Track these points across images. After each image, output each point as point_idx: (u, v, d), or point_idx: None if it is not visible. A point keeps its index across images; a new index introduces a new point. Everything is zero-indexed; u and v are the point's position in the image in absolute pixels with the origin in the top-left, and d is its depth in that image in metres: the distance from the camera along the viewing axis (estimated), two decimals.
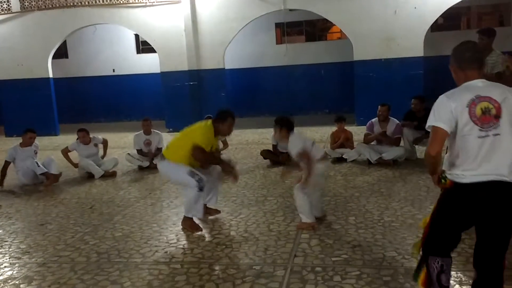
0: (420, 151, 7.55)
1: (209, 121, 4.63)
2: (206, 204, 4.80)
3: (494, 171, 2.45)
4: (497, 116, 2.47)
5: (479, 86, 2.56)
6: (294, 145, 4.40)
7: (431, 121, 2.57)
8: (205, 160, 4.53)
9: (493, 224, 2.51)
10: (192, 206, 4.46)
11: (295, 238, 4.13)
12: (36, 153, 7.22)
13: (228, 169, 4.68)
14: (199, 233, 4.41)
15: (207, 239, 4.25)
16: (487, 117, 2.47)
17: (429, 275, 2.66)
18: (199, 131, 4.53)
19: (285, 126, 4.47)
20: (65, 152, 7.54)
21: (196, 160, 4.46)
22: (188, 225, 4.53)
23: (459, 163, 2.54)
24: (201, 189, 4.38)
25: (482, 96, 2.49)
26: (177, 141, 4.66)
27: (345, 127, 7.71)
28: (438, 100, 2.62)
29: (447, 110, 2.51)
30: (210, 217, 4.85)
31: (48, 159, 7.15)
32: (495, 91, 2.53)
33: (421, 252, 2.77)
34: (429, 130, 2.61)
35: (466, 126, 2.48)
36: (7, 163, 7.06)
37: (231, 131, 4.73)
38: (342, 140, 7.56)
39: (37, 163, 6.95)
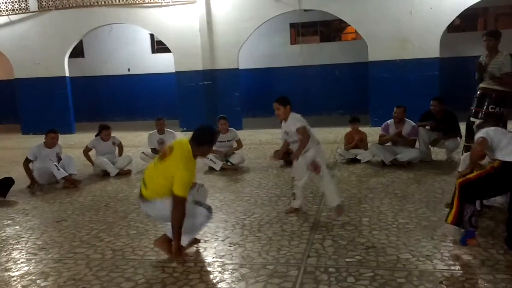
0: (436, 152, 7.50)
1: (188, 146, 3.72)
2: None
3: None
4: None
5: None
6: (296, 120, 4.66)
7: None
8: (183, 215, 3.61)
9: None
10: (195, 231, 3.93)
11: (309, 239, 4.12)
12: (58, 156, 7.03)
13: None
14: (209, 233, 4.42)
15: (220, 238, 4.26)
16: None
17: (461, 216, 3.72)
18: (181, 165, 3.61)
19: (289, 104, 4.70)
20: (87, 152, 7.56)
21: (176, 215, 3.59)
22: (180, 252, 3.77)
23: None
24: (210, 211, 3.87)
25: None
26: (156, 180, 3.74)
27: (359, 128, 7.67)
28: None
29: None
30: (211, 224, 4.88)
31: (67, 158, 7.05)
32: None
33: (455, 198, 3.79)
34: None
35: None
36: (28, 161, 6.89)
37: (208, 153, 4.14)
38: (356, 141, 7.52)
39: (56, 166, 6.75)
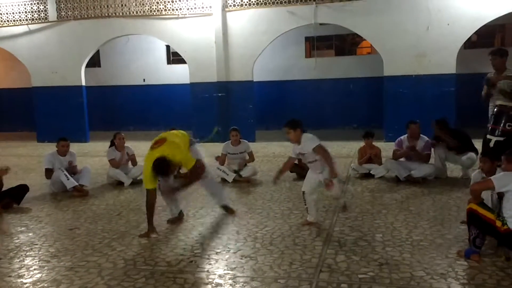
0: (451, 169, 7.41)
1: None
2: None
3: None
4: None
5: None
6: (310, 142, 4.62)
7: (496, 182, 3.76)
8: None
9: None
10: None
11: (321, 253, 4.09)
12: (71, 164, 7.03)
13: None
14: (221, 245, 4.41)
15: (232, 250, 4.24)
16: None
17: (468, 236, 3.89)
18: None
19: (299, 127, 4.68)
20: (113, 163, 7.46)
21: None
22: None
23: None
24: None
25: None
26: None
27: (373, 143, 7.62)
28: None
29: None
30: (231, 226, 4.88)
31: (85, 169, 7.07)
32: None
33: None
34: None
35: None
36: (48, 171, 6.89)
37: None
38: (370, 156, 7.44)
39: (66, 175, 6.72)
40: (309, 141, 4.65)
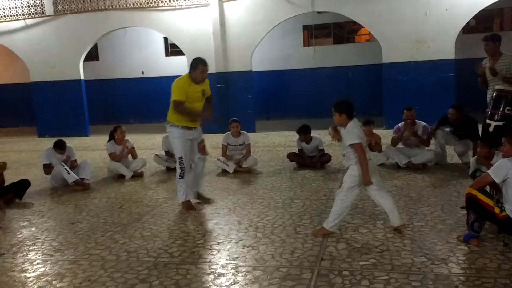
0: (451, 155, 7.41)
1: (183, 77, 5.29)
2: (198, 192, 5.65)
3: None
4: None
5: None
6: (351, 134, 4.14)
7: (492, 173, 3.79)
8: (185, 113, 5.23)
9: None
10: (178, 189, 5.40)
11: (322, 241, 4.11)
12: (70, 159, 7.00)
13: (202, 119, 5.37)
14: (223, 235, 4.43)
15: (233, 240, 4.26)
16: None
17: (467, 221, 3.89)
18: (173, 87, 5.28)
19: (345, 112, 4.21)
20: (114, 156, 7.44)
21: (180, 114, 5.22)
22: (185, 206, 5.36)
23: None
24: (182, 176, 5.28)
25: None
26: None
27: (373, 130, 7.61)
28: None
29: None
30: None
31: (84, 163, 7.05)
32: None
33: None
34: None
35: None
36: (47, 166, 6.92)
37: (205, 76, 5.26)
38: (370, 143, 7.43)
39: (67, 170, 6.72)
40: (349, 133, 4.15)
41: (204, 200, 5.65)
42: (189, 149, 5.38)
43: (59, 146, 6.90)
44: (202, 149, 5.54)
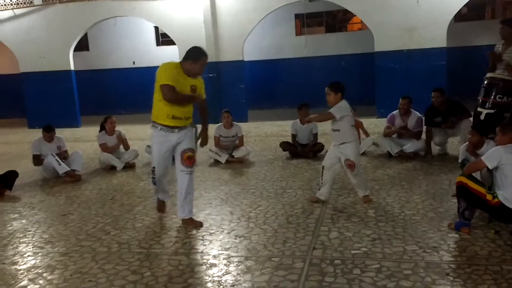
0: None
1: (171, 63, 4.37)
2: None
3: None
4: None
5: None
6: (340, 109, 4.71)
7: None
8: (176, 99, 4.20)
9: None
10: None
11: (314, 231, 4.11)
12: (60, 149, 6.98)
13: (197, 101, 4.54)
14: (215, 225, 4.42)
15: (225, 230, 4.25)
16: None
17: (458, 209, 3.90)
18: (159, 71, 4.27)
19: (340, 91, 4.76)
20: (105, 148, 7.38)
21: (169, 101, 4.17)
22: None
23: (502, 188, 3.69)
24: (154, 183, 4.56)
25: None
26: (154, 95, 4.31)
27: (366, 119, 7.60)
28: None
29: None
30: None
31: (75, 154, 7.03)
32: None
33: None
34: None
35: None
36: (36, 157, 6.90)
37: (202, 71, 4.52)
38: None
39: (58, 161, 6.69)
40: (340, 109, 4.71)
41: (194, 224, 4.41)
42: (168, 157, 4.39)
43: (46, 129, 6.92)
44: (185, 160, 4.31)
